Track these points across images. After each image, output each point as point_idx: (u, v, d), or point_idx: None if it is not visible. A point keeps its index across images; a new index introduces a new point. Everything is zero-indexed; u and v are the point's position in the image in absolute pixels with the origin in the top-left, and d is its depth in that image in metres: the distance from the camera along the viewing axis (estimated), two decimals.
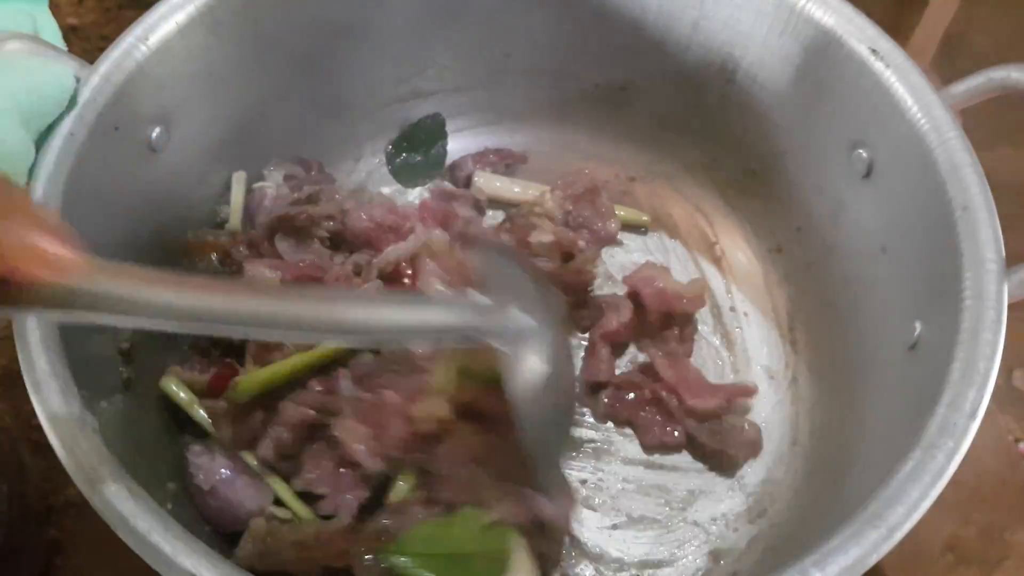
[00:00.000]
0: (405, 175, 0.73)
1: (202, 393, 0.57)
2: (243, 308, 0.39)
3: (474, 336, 0.45)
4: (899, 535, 0.40)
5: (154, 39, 0.54)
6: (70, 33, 0.84)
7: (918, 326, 0.51)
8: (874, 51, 0.55)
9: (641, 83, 0.69)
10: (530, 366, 0.45)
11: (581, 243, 0.65)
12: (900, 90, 0.54)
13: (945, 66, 0.82)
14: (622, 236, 0.70)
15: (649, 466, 0.62)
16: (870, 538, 0.40)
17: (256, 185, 0.65)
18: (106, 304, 0.35)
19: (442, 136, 0.74)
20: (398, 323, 0.44)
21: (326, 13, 0.62)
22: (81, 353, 0.47)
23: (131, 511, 0.40)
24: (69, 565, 0.60)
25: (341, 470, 0.54)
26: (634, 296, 0.65)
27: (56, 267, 0.33)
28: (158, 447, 0.56)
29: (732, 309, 0.68)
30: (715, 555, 0.58)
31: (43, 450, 0.60)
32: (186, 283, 0.38)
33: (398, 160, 0.73)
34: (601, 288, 0.67)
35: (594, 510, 0.60)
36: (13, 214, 0.32)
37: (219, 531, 0.54)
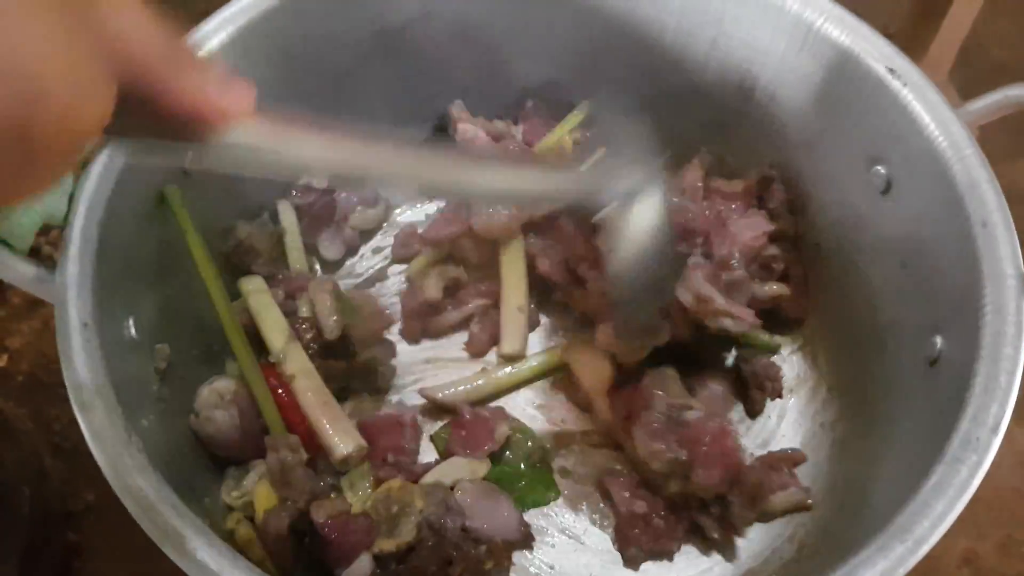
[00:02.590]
0: None
1: None
2: (386, 164, 0.43)
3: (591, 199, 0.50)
4: (925, 548, 0.41)
5: None
6: None
7: (938, 341, 0.52)
8: (891, 70, 0.56)
9: (659, 101, 0.70)
10: (644, 221, 0.50)
11: None
12: (917, 108, 0.54)
13: (962, 78, 0.82)
14: None
15: None
16: (896, 552, 0.41)
17: None
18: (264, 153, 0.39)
19: None
20: (524, 187, 0.49)
21: (354, 37, 0.64)
22: (122, 372, 0.48)
23: (178, 528, 0.42)
24: (88, 569, 0.62)
25: None
26: None
27: (228, 113, 0.36)
28: (194, 463, 0.58)
29: None
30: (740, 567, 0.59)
31: (64, 454, 0.62)
32: (334, 138, 0.41)
33: None
34: None
35: None
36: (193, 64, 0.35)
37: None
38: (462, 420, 0.62)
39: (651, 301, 0.56)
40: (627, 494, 0.60)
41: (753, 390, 0.64)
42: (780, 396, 0.65)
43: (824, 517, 0.58)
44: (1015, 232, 0.50)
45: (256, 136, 0.38)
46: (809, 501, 0.59)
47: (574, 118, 0.71)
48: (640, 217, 0.50)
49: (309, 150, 0.40)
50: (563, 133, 0.70)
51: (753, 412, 0.65)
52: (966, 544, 0.63)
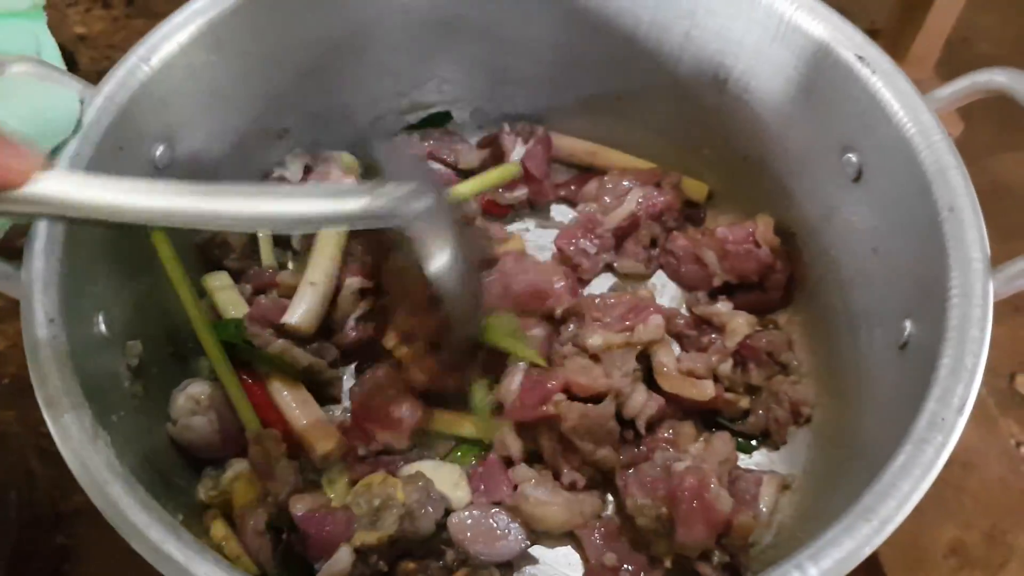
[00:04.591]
0: None
1: None
2: (173, 205, 0.44)
3: (381, 220, 0.49)
4: (891, 528, 0.41)
5: (157, 59, 0.55)
6: (78, 42, 0.84)
7: (908, 325, 0.52)
8: (861, 58, 0.56)
9: (635, 93, 0.70)
10: (439, 242, 0.50)
11: None
12: (887, 95, 0.55)
13: (948, 73, 0.82)
14: None
15: None
16: (862, 531, 0.41)
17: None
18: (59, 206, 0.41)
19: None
20: (312, 212, 0.48)
21: (327, 29, 0.63)
22: (91, 369, 0.48)
23: (144, 522, 0.42)
24: (78, 572, 0.61)
25: None
26: None
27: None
28: (169, 461, 0.57)
29: None
30: None
31: (52, 457, 0.61)
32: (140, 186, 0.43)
33: None
34: None
35: None
36: None
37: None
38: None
39: (473, 312, 0.57)
40: (600, 542, 0.57)
41: (771, 423, 0.62)
42: (809, 421, 0.63)
43: (801, 501, 0.59)
44: (982, 216, 0.50)
45: (54, 190, 0.40)
46: (786, 475, 0.59)
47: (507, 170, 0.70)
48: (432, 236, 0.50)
49: (115, 200, 0.42)
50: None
51: (776, 444, 0.63)
52: (953, 534, 0.63)
